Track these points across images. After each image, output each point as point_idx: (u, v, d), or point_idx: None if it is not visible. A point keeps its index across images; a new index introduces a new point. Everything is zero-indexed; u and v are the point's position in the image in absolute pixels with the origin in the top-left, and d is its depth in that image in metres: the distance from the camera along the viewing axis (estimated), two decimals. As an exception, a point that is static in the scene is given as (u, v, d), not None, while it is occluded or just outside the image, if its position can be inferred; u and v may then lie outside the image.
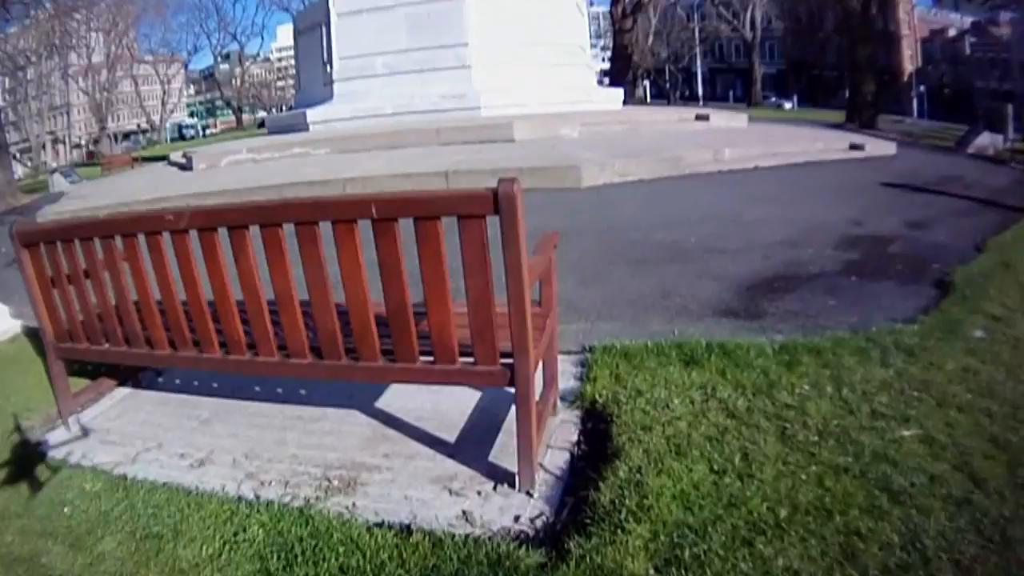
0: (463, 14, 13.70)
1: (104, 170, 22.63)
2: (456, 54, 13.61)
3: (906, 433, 2.38)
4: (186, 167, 12.45)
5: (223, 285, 2.42)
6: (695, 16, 51.05)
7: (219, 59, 70.80)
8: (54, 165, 63.68)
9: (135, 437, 2.87)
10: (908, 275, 4.45)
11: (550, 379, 2.68)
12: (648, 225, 5.76)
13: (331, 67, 14.42)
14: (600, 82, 35.93)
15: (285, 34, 66.47)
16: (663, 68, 50.43)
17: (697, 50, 51.41)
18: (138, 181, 12.61)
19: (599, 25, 52.57)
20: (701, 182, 7.74)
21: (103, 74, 56.87)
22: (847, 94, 19.85)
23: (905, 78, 47.30)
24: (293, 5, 57.53)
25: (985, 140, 14.64)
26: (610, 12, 28.92)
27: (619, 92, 16.01)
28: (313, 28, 15.33)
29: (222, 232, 2.34)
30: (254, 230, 2.31)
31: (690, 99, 51.15)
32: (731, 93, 52.48)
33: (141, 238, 2.54)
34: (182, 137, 72.31)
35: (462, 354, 2.19)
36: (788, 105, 44.27)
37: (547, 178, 7.31)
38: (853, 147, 10.83)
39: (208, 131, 66.92)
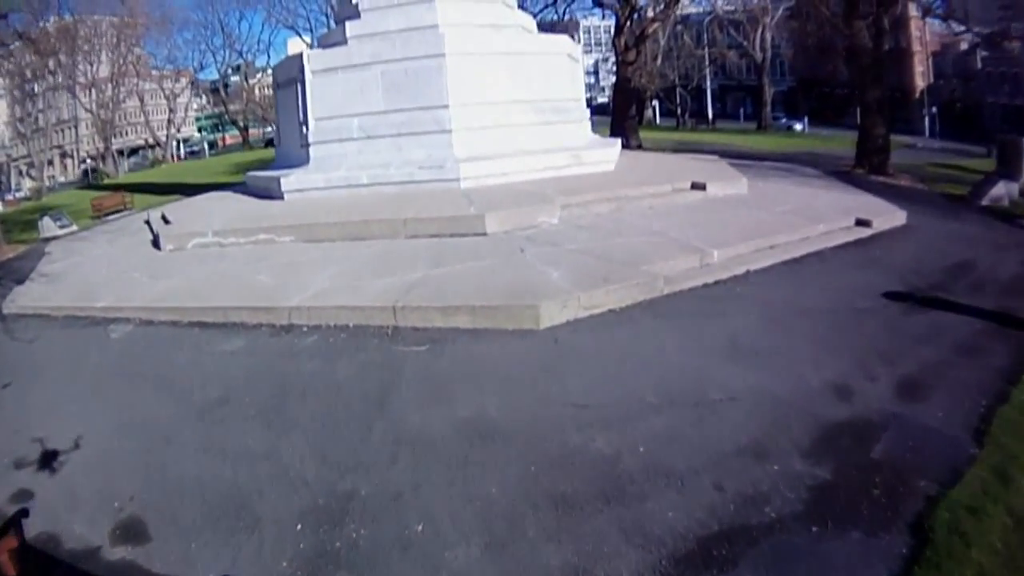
0: (443, 72, 12.85)
1: (95, 212, 22.01)
2: (435, 116, 12.84)
3: None
4: (156, 243, 11.93)
5: None
6: (705, 37, 49.99)
7: (227, 74, 70.82)
8: (62, 179, 64.09)
9: None
10: (883, 512, 3.95)
11: None
12: (593, 414, 5.09)
13: (307, 128, 13.74)
14: (605, 105, 34.90)
15: (295, 48, 66.46)
16: (673, 88, 49.42)
17: (707, 71, 50.38)
18: (107, 258, 12.13)
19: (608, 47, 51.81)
20: (677, 311, 6.98)
21: (108, 90, 56.79)
22: (857, 139, 18.96)
23: (917, 95, 46.15)
24: (299, 24, 57.45)
25: (1000, 191, 14.11)
26: (613, 43, 28.08)
27: (614, 149, 14.49)
28: (290, 83, 14.61)
29: None
30: None
31: (700, 119, 50.28)
32: (741, 111, 51.49)
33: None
34: (192, 153, 72.90)
35: None
36: (799, 127, 43.29)
37: (503, 318, 6.62)
38: (859, 223, 10.23)
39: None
